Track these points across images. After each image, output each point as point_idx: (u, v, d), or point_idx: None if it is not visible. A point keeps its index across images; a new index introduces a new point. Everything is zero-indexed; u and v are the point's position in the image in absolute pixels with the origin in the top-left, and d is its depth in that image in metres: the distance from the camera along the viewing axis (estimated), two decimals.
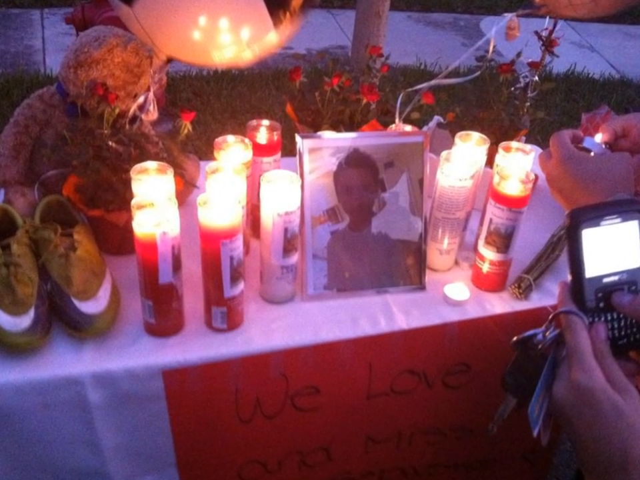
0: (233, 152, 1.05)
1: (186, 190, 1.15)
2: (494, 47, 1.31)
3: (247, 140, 1.07)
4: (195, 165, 1.21)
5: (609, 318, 0.69)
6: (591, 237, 0.68)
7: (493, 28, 1.29)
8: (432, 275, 1.12)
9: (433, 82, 1.29)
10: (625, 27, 5.22)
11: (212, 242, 0.89)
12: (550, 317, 0.70)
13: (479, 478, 1.29)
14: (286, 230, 0.96)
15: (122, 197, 1.00)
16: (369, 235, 1.07)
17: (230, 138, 1.06)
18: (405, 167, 1.07)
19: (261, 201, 0.96)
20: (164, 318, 0.94)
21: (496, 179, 1.01)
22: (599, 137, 0.92)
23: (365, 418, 1.12)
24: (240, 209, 0.89)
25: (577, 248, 0.68)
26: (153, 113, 1.15)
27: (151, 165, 0.96)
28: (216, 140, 1.06)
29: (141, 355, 0.93)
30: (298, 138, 1.03)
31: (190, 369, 0.94)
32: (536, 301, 1.08)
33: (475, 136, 1.14)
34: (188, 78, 3.61)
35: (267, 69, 3.82)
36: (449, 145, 1.15)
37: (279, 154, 1.13)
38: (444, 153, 1.07)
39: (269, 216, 0.95)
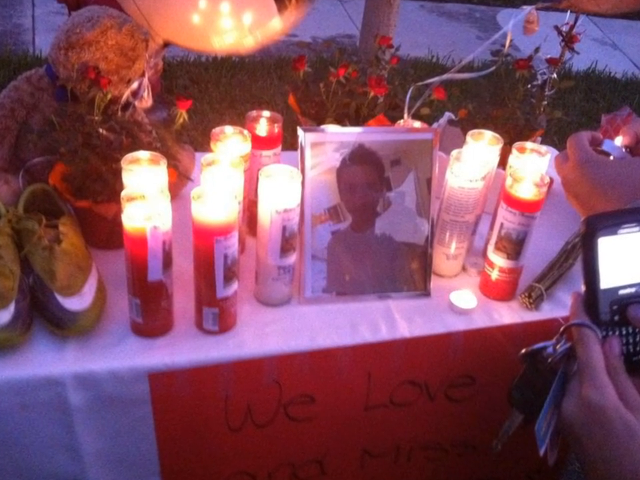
0: (230, 144, 1.05)
1: (179, 182, 1.15)
2: (511, 41, 1.31)
3: (245, 131, 1.07)
4: (189, 156, 1.21)
5: (624, 332, 0.69)
6: (607, 246, 0.68)
7: (511, 21, 1.29)
8: (437, 280, 1.12)
9: (445, 76, 1.30)
10: None
11: (205, 238, 0.89)
12: (561, 329, 0.70)
13: None
14: (284, 228, 0.96)
15: (111, 188, 1.00)
16: (371, 236, 1.07)
17: (228, 129, 1.06)
18: (413, 166, 1.07)
19: (259, 196, 0.96)
20: (152, 317, 0.94)
21: (508, 181, 1.01)
22: (619, 140, 0.92)
23: (362, 430, 1.12)
24: (236, 205, 0.89)
25: (592, 257, 0.68)
26: (147, 100, 1.16)
27: (143, 154, 0.96)
28: (213, 130, 1.06)
29: (126, 355, 0.93)
30: (300, 131, 1.03)
31: (178, 373, 0.94)
32: (547, 311, 1.08)
33: (488, 135, 1.14)
34: (185, 64, 3.61)
35: (270, 57, 3.82)
36: (460, 143, 1.15)
37: (279, 147, 1.13)
38: (454, 152, 1.07)
39: (267, 213, 0.95)
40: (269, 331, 1.00)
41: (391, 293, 1.08)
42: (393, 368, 1.05)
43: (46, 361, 0.91)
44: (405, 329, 1.03)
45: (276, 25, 0.98)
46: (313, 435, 1.09)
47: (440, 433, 1.18)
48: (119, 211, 0.88)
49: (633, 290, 0.69)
